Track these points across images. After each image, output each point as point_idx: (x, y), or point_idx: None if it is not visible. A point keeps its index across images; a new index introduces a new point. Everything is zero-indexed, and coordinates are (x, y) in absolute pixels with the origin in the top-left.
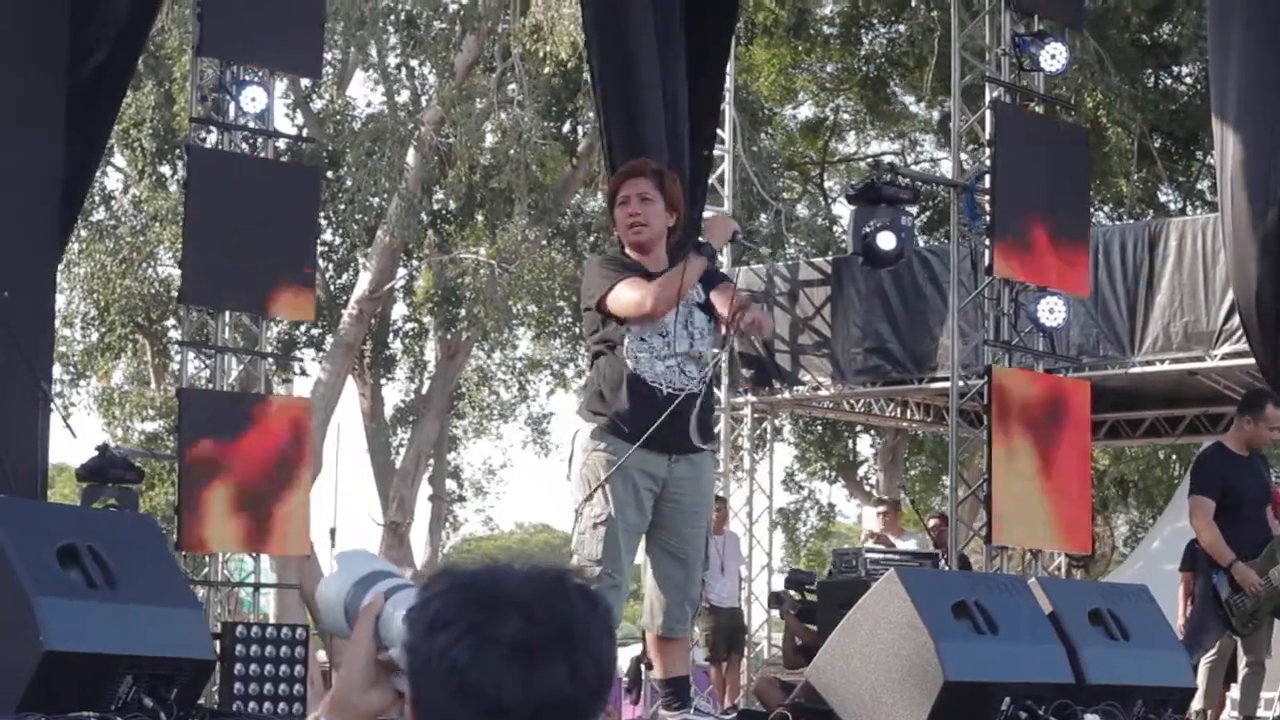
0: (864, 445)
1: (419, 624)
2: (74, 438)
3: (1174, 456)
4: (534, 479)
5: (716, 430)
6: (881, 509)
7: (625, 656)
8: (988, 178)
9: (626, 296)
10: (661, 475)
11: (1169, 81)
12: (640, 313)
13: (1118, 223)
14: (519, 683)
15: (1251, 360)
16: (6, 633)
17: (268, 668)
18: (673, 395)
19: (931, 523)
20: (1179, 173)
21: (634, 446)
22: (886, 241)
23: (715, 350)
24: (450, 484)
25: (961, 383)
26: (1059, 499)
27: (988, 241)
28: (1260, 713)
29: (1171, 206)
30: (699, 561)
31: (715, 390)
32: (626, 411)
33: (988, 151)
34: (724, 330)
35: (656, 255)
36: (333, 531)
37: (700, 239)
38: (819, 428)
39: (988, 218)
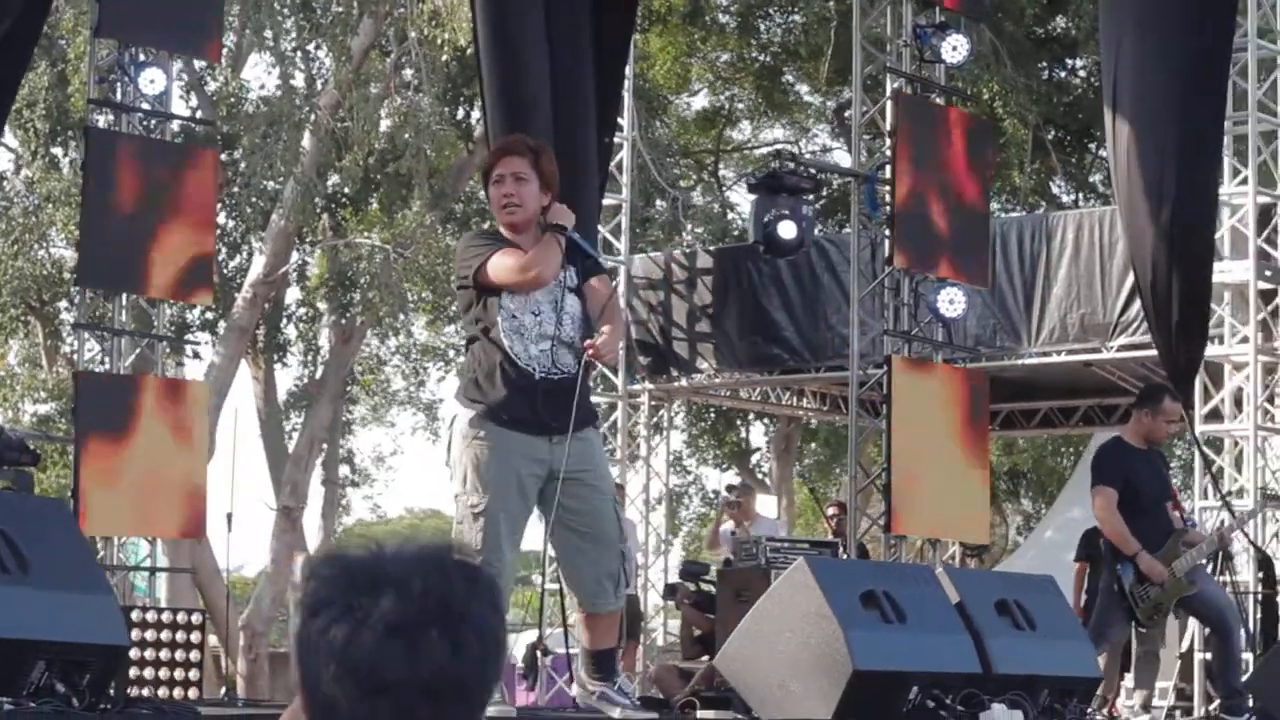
0: (756, 433)
1: (302, 608)
2: None
3: (1064, 448)
4: (425, 465)
5: (614, 417)
6: (734, 494)
7: (520, 644)
8: (888, 168)
9: (507, 262)
10: (544, 458)
11: (1063, 74)
12: (524, 277)
13: (1015, 214)
14: (399, 661)
15: (1146, 352)
16: None
17: (163, 652)
18: (547, 379)
19: (830, 511)
20: (1072, 165)
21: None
22: (787, 230)
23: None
24: (344, 469)
25: (860, 372)
26: (957, 488)
27: (888, 231)
28: (1156, 702)
29: (1065, 199)
30: (610, 534)
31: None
32: (503, 398)
33: (888, 142)
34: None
35: (530, 235)
36: (229, 516)
37: (553, 223)
38: (711, 414)
39: (888, 208)
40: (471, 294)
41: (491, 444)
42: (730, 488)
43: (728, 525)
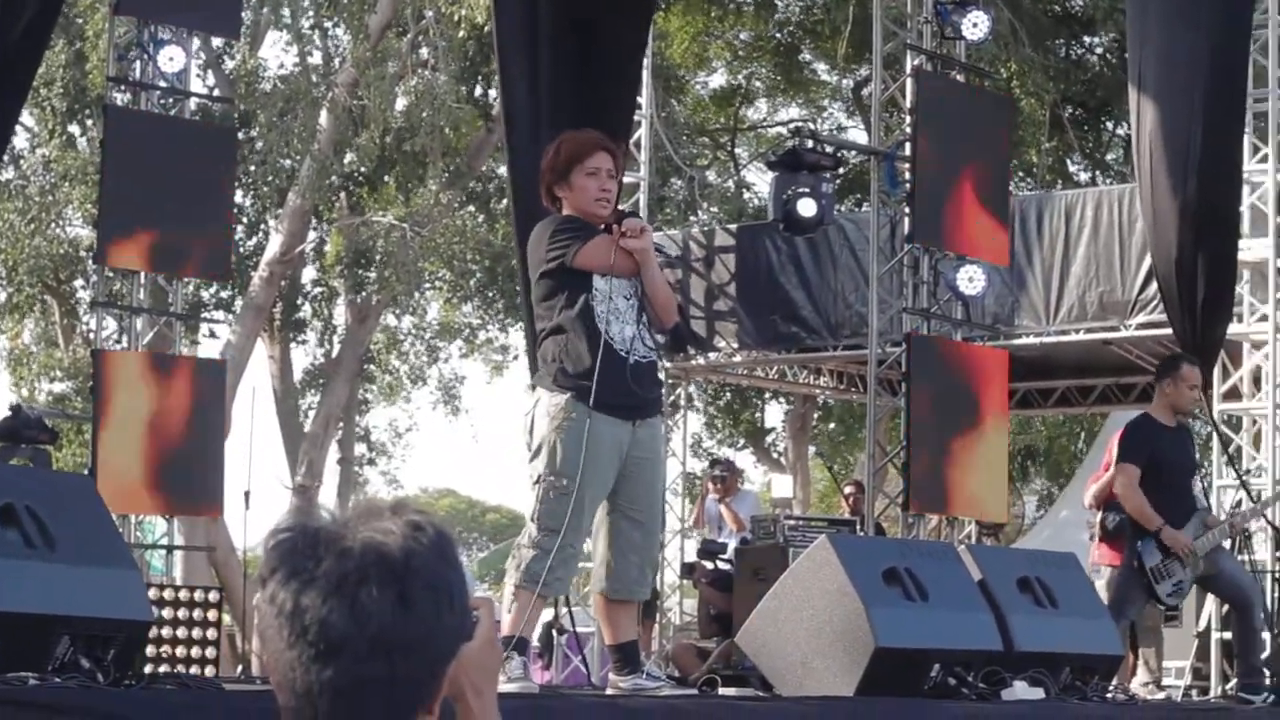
0: (772, 412)
1: (259, 579)
2: None
3: (1078, 428)
4: (441, 444)
5: None
6: (717, 470)
7: (539, 621)
8: (907, 145)
9: (608, 246)
10: (625, 441)
11: (1080, 52)
12: (627, 264)
13: (1033, 192)
14: (345, 618)
15: (1165, 330)
16: None
17: (180, 630)
18: (638, 363)
19: (848, 490)
20: (1088, 143)
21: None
22: (807, 208)
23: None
24: (360, 448)
25: (879, 350)
26: (976, 467)
27: (907, 209)
28: (1172, 681)
29: (1081, 177)
30: (657, 524)
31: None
32: (596, 381)
33: (907, 119)
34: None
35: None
36: (246, 494)
37: (630, 213)
38: (727, 394)
39: (907, 185)
40: (556, 280)
41: (583, 427)
42: (714, 463)
43: (712, 500)
